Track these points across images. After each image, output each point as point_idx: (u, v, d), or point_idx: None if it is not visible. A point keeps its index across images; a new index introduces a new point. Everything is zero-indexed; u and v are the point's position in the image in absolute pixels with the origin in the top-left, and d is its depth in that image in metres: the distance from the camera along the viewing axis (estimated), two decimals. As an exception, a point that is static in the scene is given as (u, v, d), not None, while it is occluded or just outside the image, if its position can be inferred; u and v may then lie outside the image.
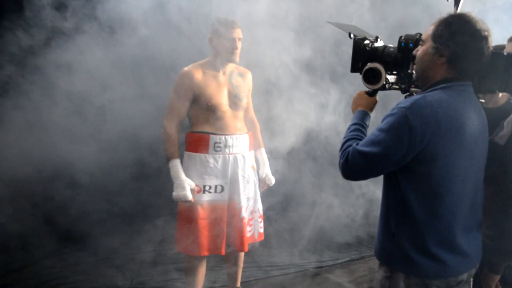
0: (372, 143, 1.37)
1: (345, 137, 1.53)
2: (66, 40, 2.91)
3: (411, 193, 1.38)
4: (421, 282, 1.42)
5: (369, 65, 1.64)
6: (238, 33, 2.46)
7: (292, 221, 3.94)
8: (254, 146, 2.73)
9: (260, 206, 2.73)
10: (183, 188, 2.41)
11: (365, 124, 1.59)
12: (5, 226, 3.23)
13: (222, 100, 2.51)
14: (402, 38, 1.57)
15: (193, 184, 2.45)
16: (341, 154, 1.46)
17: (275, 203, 3.61)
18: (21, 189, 3.24)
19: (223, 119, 2.51)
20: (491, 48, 1.39)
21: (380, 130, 1.37)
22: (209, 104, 2.46)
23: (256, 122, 2.77)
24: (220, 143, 2.50)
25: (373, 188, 3.56)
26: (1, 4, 3.17)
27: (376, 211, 3.70)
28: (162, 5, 2.71)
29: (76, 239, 3.62)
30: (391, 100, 2.67)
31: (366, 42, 1.70)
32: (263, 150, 2.78)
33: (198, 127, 2.52)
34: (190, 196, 2.41)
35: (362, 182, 3.56)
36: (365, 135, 1.54)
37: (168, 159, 2.47)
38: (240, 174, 2.56)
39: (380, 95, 1.71)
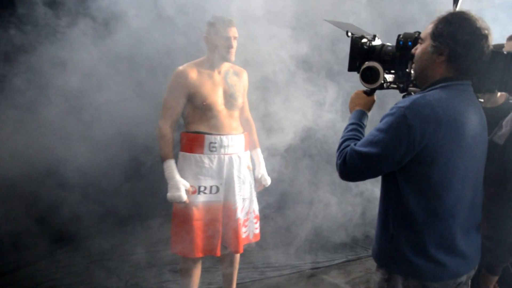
0: (371, 143, 1.35)
1: (342, 137, 1.50)
2: (59, 37, 2.88)
3: (410, 194, 1.35)
4: (420, 285, 1.39)
5: (367, 64, 1.62)
6: (233, 31, 2.43)
7: (288, 220, 3.92)
8: (250, 146, 2.70)
9: (255, 207, 2.70)
10: (178, 189, 2.37)
11: (363, 124, 1.57)
12: (-3, 227, 3.19)
13: (218, 99, 2.48)
14: (401, 36, 1.54)
15: (188, 185, 2.41)
16: (339, 155, 1.44)
17: (271, 202, 3.59)
18: (13, 189, 3.20)
19: (218, 119, 2.48)
20: (491, 47, 1.36)
21: (379, 130, 1.35)
22: (204, 103, 2.43)
23: (251, 122, 2.74)
24: (215, 143, 2.47)
25: (370, 187, 3.53)
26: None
27: (373, 210, 3.71)
28: (157, 1, 2.68)
29: (69, 240, 3.59)
30: (388, 99, 2.66)
31: (364, 40, 1.68)
32: (259, 150, 2.75)
33: (193, 127, 2.49)
34: (184, 197, 2.38)
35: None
36: (363, 135, 1.51)
37: (163, 159, 2.44)
38: (235, 174, 2.53)
39: (376, 94, 1.68)
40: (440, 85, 1.37)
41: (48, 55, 2.85)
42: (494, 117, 1.72)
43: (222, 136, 2.48)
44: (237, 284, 2.85)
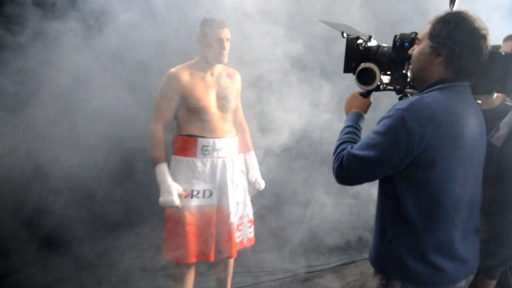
0: (368, 146, 1.32)
1: (339, 140, 1.47)
2: (48, 38, 2.83)
3: (409, 199, 1.32)
4: (418, 290, 1.36)
5: (363, 65, 1.59)
6: (226, 33, 2.40)
7: (282, 223, 3.87)
8: (244, 149, 2.66)
9: (249, 211, 2.66)
10: (170, 193, 2.33)
11: (359, 126, 1.54)
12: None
13: (210, 102, 2.44)
14: (397, 37, 1.52)
15: (180, 189, 2.37)
16: (335, 158, 1.40)
17: (265, 203, 3.55)
18: (0, 193, 3.12)
19: (211, 122, 2.44)
20: (489, 48, 1.34)
21: (376, 133, 1.32)
22: (197, 106, 2.39)
23: (245, 124, 2.71)
24: (208, 146, 2.42)
25: (367, 187, 3.50)
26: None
27: (368, 211, 3.68)
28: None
29: (59, 245, 3.51)
30: (383, 101, 2.64)
31: (359, 41, 1.65)
32: (252, 153, 2.71)
33: (185, 130, 2.45)
34: (177, 201, 2.34)
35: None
36: (360, 138, 1.48)
37: (155, 163, 2.39)
38: (229, 178, 2.49)
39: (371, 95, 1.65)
40: (438, 86, 1.34)
41: (37, 56, 2.80)
42: (490, 119, 1.71)
43: (215, 139, 2.44)
44: (231, 289, 2.82)
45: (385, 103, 2.67)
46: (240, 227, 2.58)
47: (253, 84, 2.86)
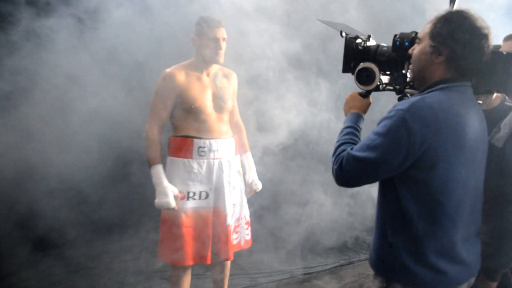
0: (368, 147, 1.29)
1: (338, 141, 1.44)
2: (42, 38, 2.79)
3: (410, 201, 1.30)
4: (420, 293, 1.34)
5: (362, 65, 1.57)
6: (222, 32, 2.37)
7: (279, 223, 3.84)
8: (240, 150, 2.63)
9: (246, 213, 2.64)
10: (166, 195, 2.29)
11: (359, 127, 1.51)
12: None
13: (206, 102, 2.41)
14: (397, 36, 1.49)
15: (176, 191, 2.34)
16: (335, 160, 1.38)
17: (261, 204, 3.52)
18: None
19: (207, 123, 2.41)
20: (491, 47, 1.32)
21: (377, 134, 1.29)
22: (193, 107, 2.36)
23: (241, 125, 2.68)
24: (204, 147, 2.39)
25: (367, 187, 3.48)
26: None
27: (366, 211, 3.65)
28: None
29: (53, 248, 3.46)
30: (378, 100, 2.62)
31: (358, 41, 1.63)
32: (249, 154, 2.68)
33: (181, 131, 2.41)
34: (173, 204, 2.30)
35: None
36: (360, 139, 1.46)
37: (150, 164, 2.36)
38: (225, 179, 2.46)
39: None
40: (440, 86, 1.32)
41: (29, 55, 2.76)
42: (489, 120, 1.68)
43: (211, 140, 2.41)
44: (228, 291, 2.78)
45: (382, 102, 2.65)
46: (237, 229, 2.55)
47: (250, 83, 2.83)
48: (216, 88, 2.46)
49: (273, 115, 2.86)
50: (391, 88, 1.59)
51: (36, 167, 3.00)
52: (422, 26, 1.52)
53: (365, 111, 1.58)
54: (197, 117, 2.39)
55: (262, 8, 2.60)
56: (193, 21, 2.37)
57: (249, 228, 2.65)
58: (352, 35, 1.63)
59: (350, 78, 1.63)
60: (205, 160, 2.41)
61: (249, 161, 2.67)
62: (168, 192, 2.30)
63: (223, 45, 2.38)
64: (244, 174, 2.64)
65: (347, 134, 1.46)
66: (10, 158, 2.87)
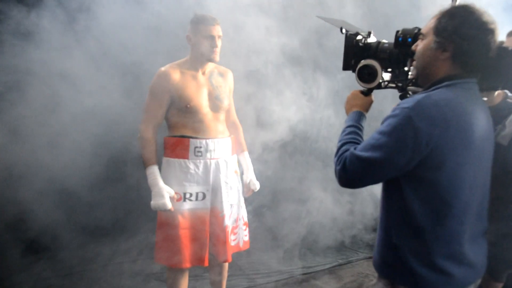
0: (373, 147, 1.25)
1: (340, 141, 1.40)
2: (35, 37, 2.73)
3: (416, 201, 1.26)
4: (426, 296, 1.30)
5: (364, 62, 1.53)
6: (217, 30, 2.31)
7: (276, 223, 3.80)
8: (237, 150, 2.58)
9: (244, 213, 2.59)
10: (162, 196, 2.24)
11: (361, 126, 1.47)
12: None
13: (202, 101, 2.36)
14: (400, 32, 1.45)
15: (172, 192, 2.29)
16: (337, 160, 1.33)
17: (260, 202, 3.48)
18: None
19: (203, 122, 2.36)
20: (497, 42, 1.28)
21: (381, 133, 1.25)
22: (188, 106, 2.31)
23: (238, 124, 2.63)
24: (201, 147, 2.34)
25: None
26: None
27: (365, 209, 3.62)
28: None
29: (47, 251, 3.40)
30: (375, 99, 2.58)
31: (359, 37, 1.59)
32: (246, 153, 2.63)
33: (177, 131, 2.36)
34: (169, 205, 2.25)
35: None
36: (362, 138, 1.42)
37: (145, 165, 2.31)
38: (222, 180, 2.42)
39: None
40: (445, 83, 1.28)
41: (21, 55, 2.70)
42: (491, 117, 1.65)
43: (207, 140, 2.36)
44: (227, 292, 2.74)
45: (378, 99, 2.62)
46: (235, 230, 2.51)
47: (246, 79, 2.78)
48: (212, 87, 2.41)
49: (271, 111, 2.81)
50: (393, 85, 1.55)
51: (28, 168, 2.95)
52: (419, 21, 1.49)
53: (367, 110, 1.54)
54: (193, 117, 2.34)
55: (258, 3, 2.55)
56: (189, 17, 2.32)
57: (247, 229, 2.61)
58: (352, 31, 1.59)
59: (347, 72, 1.59)
60: (202, 161, 2.36)
61: (247, 160, 2.62)
62: (164, 193, 2.25)
63: (219, 42, 2.33)
64: (241, 174, 2.59)
65: (349, 133, 1.41)
66: (1, 158, 2.81)
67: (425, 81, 1.36)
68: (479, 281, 1.44)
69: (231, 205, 2.49)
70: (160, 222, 2.38)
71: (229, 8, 2.46)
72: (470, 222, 1.31)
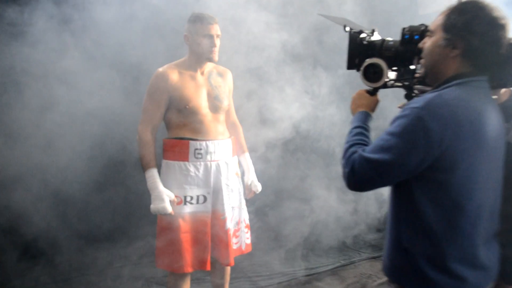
0: (382, 149, 1.21)
1: (347, 142, 1.35)
2: (32, 39, 2.68)
3: (427, 204, 1.22)
4: (438, 301, 1.26)
5: (369, 61, 1.48)
6: (216, 29, 2.27)
7: (279, 223, 3.76)
8: (238, 151, 2.54)
9: (246, 216, 2.55)
10: (162, 200, 2.20)
11: (368, 127, 1.42)
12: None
13: (201, 102, 2.32)
14: (406, 29, 1.41)
15: (172, 196, 2.24)
16: (345, 163, 1.29)
17: (262, 202, 3.44)
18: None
19: (203, 123, 2.32)
20: (508, 38, 1.24)
21: (391, 134, 1.20)
22: (187, 107, 2.27)
23: (238, 125, 2.59)
24: (201, 149, 2.30)
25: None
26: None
27: (368, 209, 3.58)
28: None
29: (45, 255, 3.35)
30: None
31: (363, 35, 1.54)
32: (247, 154, 2.59)
33: (176, 133, 2.32)
34: (169, 209, 2.21)
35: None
36: (370, 139, 1.37)
37: (144, 168, 2.26)
38: (223, 182, 2.37)
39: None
40: (456, 82, 1.24)
41: (16, 56, 2.65)
42: None
43: (208, 142, 2.31)
44: (229, 296, 2.70)
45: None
46: (237, 233, 2.47)
47: (247, 76, 2.74)
48: (211, 87, 2.37)
49: (272, 109, 2.78)
50: (400, 84, 1.51)
51: (25, 171, 2.90)
52: (419, 18, 1.44)
53: (373, 110, 1.49)
54: (192, 118, 2.30)
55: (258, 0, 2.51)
56: (189, 15, 2.27)
57: (249, 232, 2.57)
58: (355, 29, 1.55)
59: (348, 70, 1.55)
60: (202, 163, 2.32)
61: (248, 162, 2.58)
62: (164, 197, 2.21)
63: (218, 42, 2.29)
64: (242, 175, 2.55)
65: (356, 134, 1.37)
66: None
67: (433, 79, 1.31)
68: (492, 285, 1.39)
69: (233, 207, 2.45)
70: (161, 226, 2.33)
71: (229, 5, 2.41)
72: (483, 224, 1.27)
